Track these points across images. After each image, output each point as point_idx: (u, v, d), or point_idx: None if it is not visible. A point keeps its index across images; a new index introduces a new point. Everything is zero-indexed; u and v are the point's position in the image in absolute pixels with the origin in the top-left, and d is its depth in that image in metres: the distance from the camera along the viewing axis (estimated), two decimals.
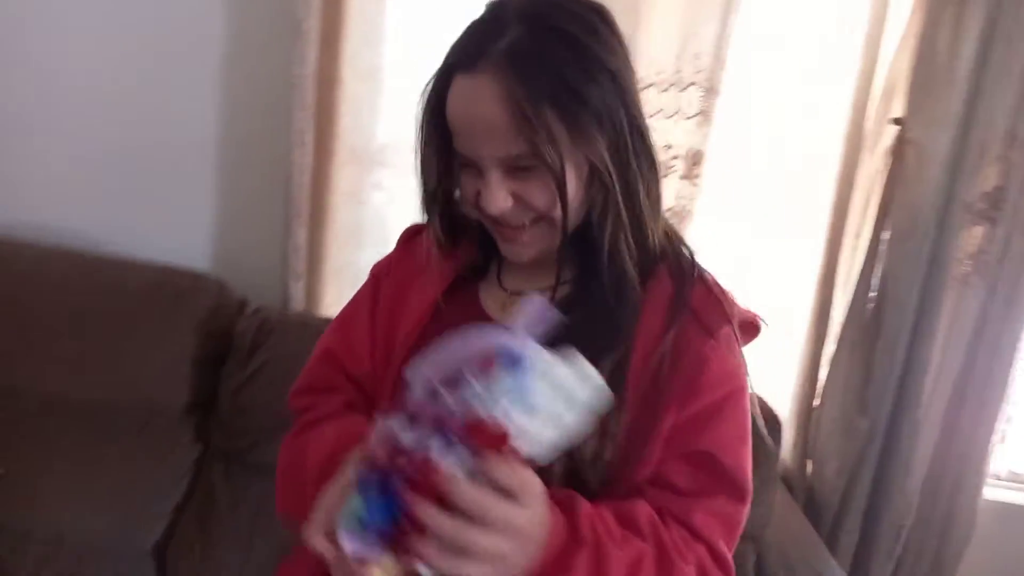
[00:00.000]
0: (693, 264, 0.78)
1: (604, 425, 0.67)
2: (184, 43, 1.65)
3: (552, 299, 0.74)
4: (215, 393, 1.51)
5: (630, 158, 0.71)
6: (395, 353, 0.78)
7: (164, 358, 1.47)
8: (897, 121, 1.62)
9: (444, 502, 0.51)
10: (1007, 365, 1.68)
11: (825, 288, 1.68)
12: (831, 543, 1.70)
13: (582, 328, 0.69)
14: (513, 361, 0.52)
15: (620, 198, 0.71)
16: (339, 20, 1.53)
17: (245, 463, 1.46)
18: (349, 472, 0.61)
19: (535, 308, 0.56)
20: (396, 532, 0.52)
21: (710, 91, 1.60)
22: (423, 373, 0.55)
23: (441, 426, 0.52)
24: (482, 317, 0.79)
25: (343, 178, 1.61)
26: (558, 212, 0.71)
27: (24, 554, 1.36)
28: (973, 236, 1.65)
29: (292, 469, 0.80)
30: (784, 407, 1.77)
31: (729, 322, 0.75)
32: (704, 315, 0.75)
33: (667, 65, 1.62)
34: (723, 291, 0.80)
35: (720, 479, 0.73)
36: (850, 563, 1.72)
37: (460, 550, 0.53)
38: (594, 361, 0.60)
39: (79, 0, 1.63)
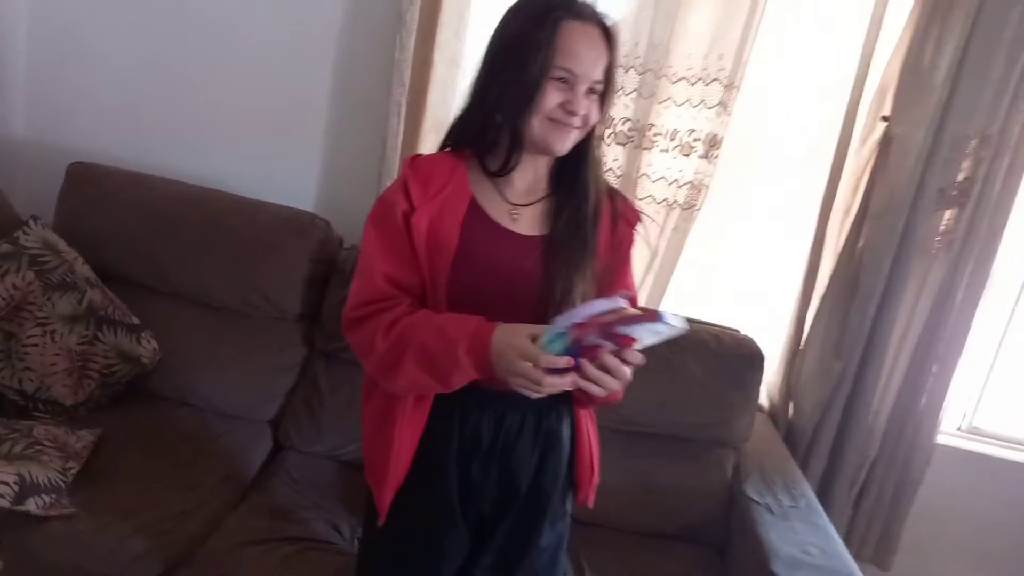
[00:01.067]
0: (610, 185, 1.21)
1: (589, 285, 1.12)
2: (311, 26, 2.05)
3: (556, 202, 1.15)
4: (320, 307, 1.93)
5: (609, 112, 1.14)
6: (443, 267, 1.06)
7: (286, 277, 1.89)
8: (885, 118, 1.95)
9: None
10: (965, 329, 2.02)
11: (814, 254, 2.04)
12: (803, 466, 2.06)
13: (577, 220, 1.11)
14: (658, 316, 0.95)
15: (602, 130, 1.16)
16: (435, 14, 1.92)
17: (340, 360, 1.88)
18: (544, 330, 0.96)
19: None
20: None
21: (729, 86, 1.95)
22: (577, 314, 0.97)
23: (608, 330, 0.95)
24: (490, 223, 1.10)
25: (427, 143, 2.00)
26: (587, 128, 1.09)
27: (176, 418, 1.81)
28: (943, 218, 1.98)
29: (411, 346, 1.02)
30: (776, 352, 2.14)
31: (638, 216, 1.21)
32: (627, 212, 1.19)
33: (696, 63, 1.98)
34: (626, 198, 1.23)
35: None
36: (817, 485, 2.09)
37: (603, 379, 0.98)
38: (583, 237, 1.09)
39: None
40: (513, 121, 1.06)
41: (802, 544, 1.57)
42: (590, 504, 1.28)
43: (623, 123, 2.02)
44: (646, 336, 0.98)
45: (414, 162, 1.11)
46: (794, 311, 2.11)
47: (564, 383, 0.97)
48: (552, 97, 1.04)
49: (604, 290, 1.12)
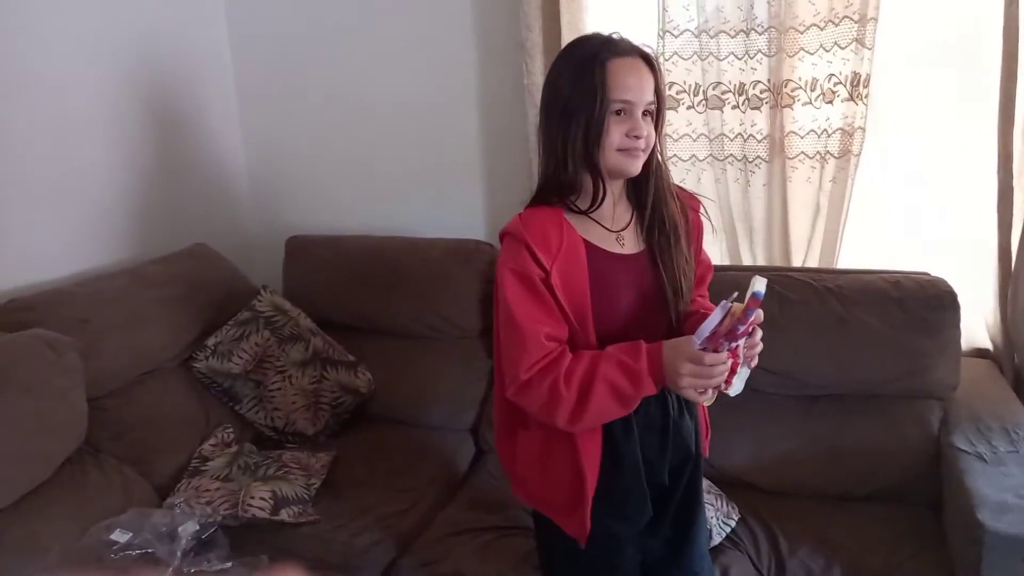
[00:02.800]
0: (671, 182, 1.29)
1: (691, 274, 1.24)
2: (449, 80, 2.32)
3: (639, 217, 1.26)
4: None
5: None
6: (586, 310, 1.18)
7: (461, 300, 2.13)
8: None
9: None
10: None
11: (1004, 172, 1.82)
12: None
13: (666, 228, 1.22)
14: (756, 296, 1.06)
15: (662, 147, 1.24)
16: (554, 35, 2.06)
17: None
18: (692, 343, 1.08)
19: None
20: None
21: (862, 20, 1.84)
22: (705, 330, 1.09)
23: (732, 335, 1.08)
24: (607, 255, 1.21)
25: None
26: (651, 148, 1.18)
27: (392, 435, 2.10)
28: None
29: (596, 383, 1.13)
30: (989, 291, 1.94)
31: (699, 201, 1.34)
32: (690, 201, 1.31)
33: (822, 6, 1.90)
34: (684, 188, 1.33)
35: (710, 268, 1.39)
36: None
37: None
38: (677, 240, 1.22)
39: (383, 45, 2.38)
40: (591, 161, 1.17)
41: (1017, 488, 1.43)
42: (705, 453, 1.37)
43: (753, 86, 1.99)
44: (759, 313, 1.10)
45: (527, 228, 1.17)
46: (996, 241, 1.90)
47: (723, 376, 1.11)
48: (617, 129, 1.15)
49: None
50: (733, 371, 1.14)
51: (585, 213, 1.21)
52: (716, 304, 1.14)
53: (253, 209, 2.69)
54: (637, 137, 1.15)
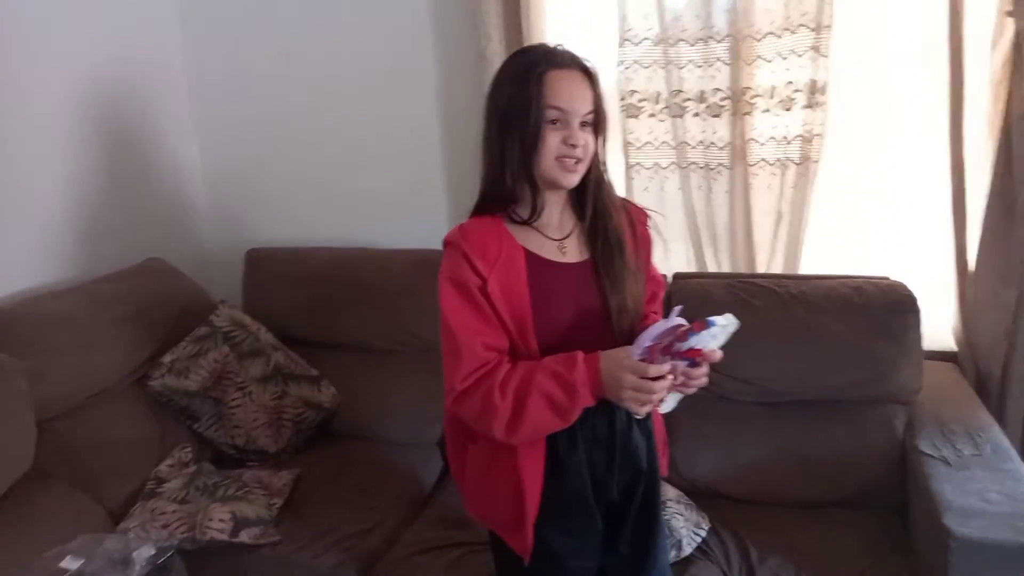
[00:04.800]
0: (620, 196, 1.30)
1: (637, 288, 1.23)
2: (406, 73, 2.29)
3: (581, 223, 1.25)
4: None
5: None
6: (526, 319, 1.16)
7: (428, 310, 2.05)
8: (1010, 13, 1.74)
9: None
10: None
11: (957, 177, 1.85)
12: (999, 412, 1.85)
13: (609, 238, 1.21)
14: (706, 323, 1.05)
15: (603, 159, 1.23)
16: (515, 45, 2.05)
17: None
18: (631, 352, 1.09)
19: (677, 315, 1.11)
20: None
21: (818, 28, 1.86)
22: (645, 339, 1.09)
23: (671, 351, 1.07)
24: (547, 263, 1.19)
25: None
26: (589, 158, 1.18)
27: (357, 451, 2.06)
28: None
29: (531, 395, 1.11)
30: (949, 294, 1.96)
31: (646, 215, 1.33)
32: (638, 215, 1.30)
33: (778, 14, 1.91)
34: (632, 202, 1.34)
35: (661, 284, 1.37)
36: (1022, 430, 1.86)
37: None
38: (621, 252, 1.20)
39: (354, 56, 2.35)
40: (527, 170, 1.15)
41: (982, 493, 1.44)
42: (664, 472, 1.35)
43: (713, 94, 2.00)
44: (708, 342, 1.08)
45: (465, 237, 1.17)
46: (952, 245, 1.92)
47: (665, 390, 1.10)
48: (552, 138, 1.14)
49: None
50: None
51: (525, 223, 1.19)
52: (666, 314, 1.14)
53: (211, 223, 2.62)
54: (573, 145, 1.14)
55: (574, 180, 1.18)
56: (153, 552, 1.49)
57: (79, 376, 1.82)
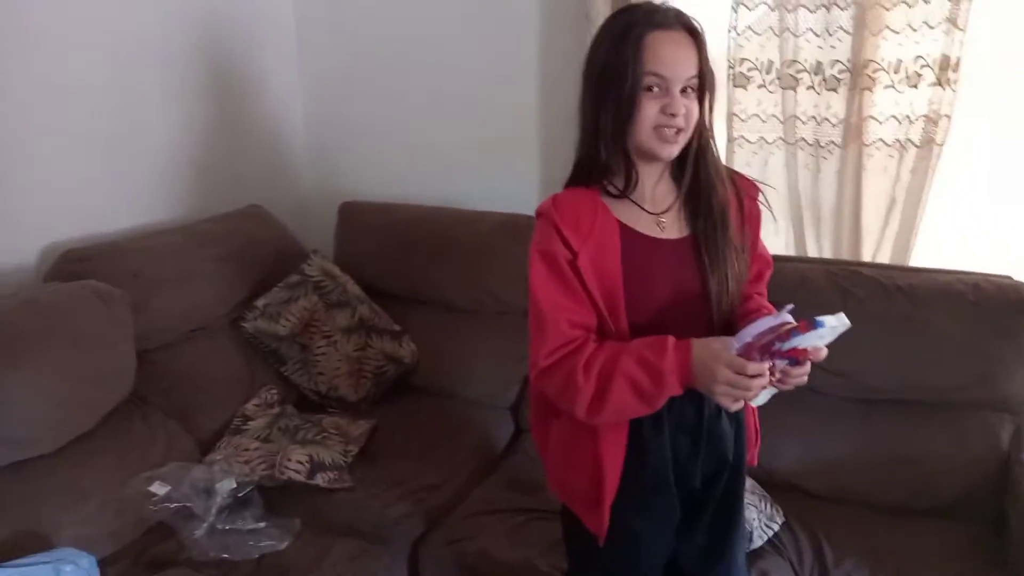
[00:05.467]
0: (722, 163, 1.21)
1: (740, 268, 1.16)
2: (508, 31, 2.26)
3: (684, 201, 1.18)
4: None
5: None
6: (617, 296, 1.10)
7: (507, 275, 2.06)
8: None
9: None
10: None
11: None
12: None
13: (712, 213, 1.14)
14: (813, 323, 0.99)
15: (709, 123, 1.15)
16: (621, 5, 1.97)
17: None
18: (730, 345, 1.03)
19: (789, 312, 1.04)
20: None
21: None
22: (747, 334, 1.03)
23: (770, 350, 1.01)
24: (644, 239, 1.13)
25: None
26: (692, 127, 1.10)
27: (433, 407, 2.09)
28: None
29: (615, 378, 1.06)
30: None
31: (757, 188, 1.24)
32: (747, 188, 1.21)
33: None
34: (741, 173, 1.25)
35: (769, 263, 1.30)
36: None
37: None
38: (725, 228, 1.13)
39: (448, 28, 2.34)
40: (622, 140, 1.09)
41: None
42: (753, 463, 1.29)
43: (831, 66, 1.87)
44: (813, 342, 1.01)
45: (557, 208, 1.12)
46: None
47: (760, 388, 1.03)
48: (650, 107, 1.07)
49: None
50: None
51: (620, 196, 1.14)
52: (778, 306, 1.07)
53: (309, 174, 2.69)
54: (673, 115, 1.07)
55: (673, 151, 1.11)
56: (235, 486, 1.58)
57: (179, 310, 1.91)
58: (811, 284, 1.77)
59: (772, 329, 1.01)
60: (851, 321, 1.02)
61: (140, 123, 2.08)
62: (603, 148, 1.11)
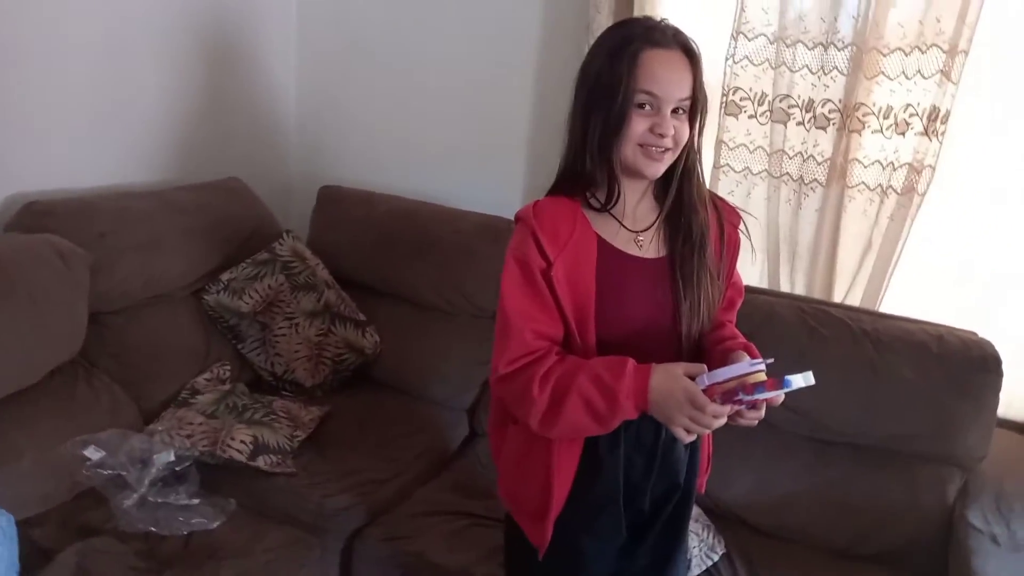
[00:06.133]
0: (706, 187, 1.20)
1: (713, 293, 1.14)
2: (508, 35, 2.25)
3: (662, 215, 1.16)
4: None
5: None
6: (588, 310, 1.09)
7: (483, 278, 2.05)
8: None
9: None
10: None
11: None
12: None
13: (691, 234, 1.13)
14: (781, 383, 0.97)
15: (697, 146, 1.14)
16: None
17: None
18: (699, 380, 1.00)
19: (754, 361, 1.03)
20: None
21: (952, 51, 1.71)
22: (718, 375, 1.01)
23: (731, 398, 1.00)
24: (620, 254, 1.12)
25: None
26: (680, 148, 1.09)
27: (389, 402, 2.06)
28: None
29: (570, 394, 1.04)
30: None
31: (739, 216, 1.23)
32: (728, 215, 1.20)
33: (911, 30, 1.76)
34: (724, 199, 1.24)
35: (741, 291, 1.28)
36: None
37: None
38: (702, 252, 1.11)
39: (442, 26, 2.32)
40: (607, 154, 1.08)
41: None
42: (701, 491, 1.27)
43: (822, 105, 1.87)
44: (774, 395, 1.00)
45: (537, 215, 1.10)
46: None
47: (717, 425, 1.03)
48: (639, 124, 1.06)
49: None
50: None
51: (601, 210, 1.12)
52: (747, 340, 1.06)
53: (296, 153, 2.66)
54: (661, 135, 1.06)
55: (658, 171, 1.10)
56: (172, 459, 1.54)
57: (142, 276, 1.87)
58: (779, 319, 1.76)
59: (739, 377, 1.00)
60: (815, 360, 1.02)
61: (128, 83, 2.04)
62: (588, 159, 1.09)
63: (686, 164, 1.13)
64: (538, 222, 1.09)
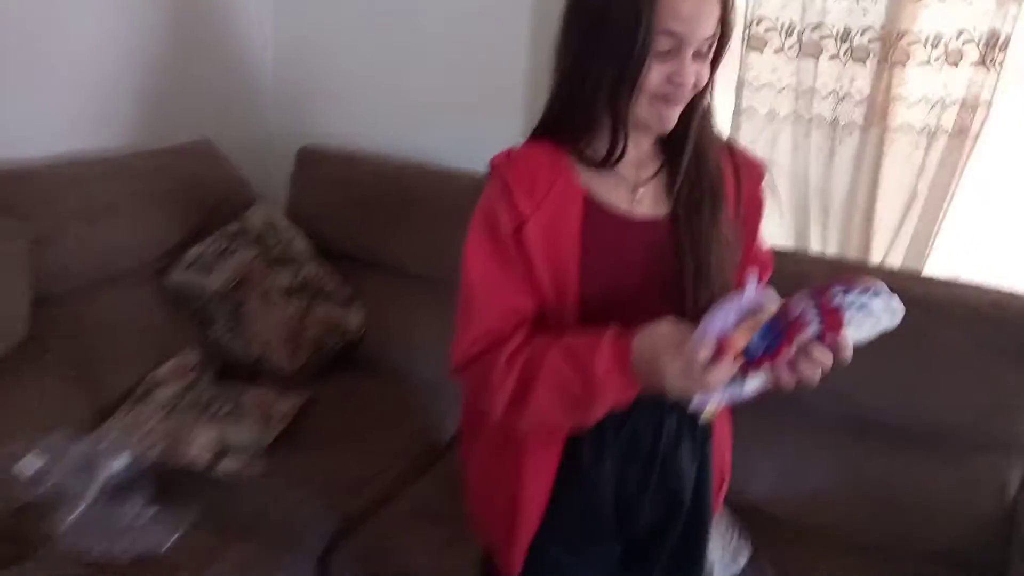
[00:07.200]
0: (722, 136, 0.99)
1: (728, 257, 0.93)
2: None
3: (669, 172, 0.95)
4: None
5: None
6: (568, 281, 0.91)
7: None
8: None
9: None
10: None
11: None
12: None
13: (701, 186, 0.92)
14: (870, 291, 0.76)
15: (712, 89, 0.92)
16: None
17: None
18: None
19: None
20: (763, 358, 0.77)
21: None
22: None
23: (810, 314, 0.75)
24: (612, 213, 0.92)
25: None
26: (699, 89, 0.88)
27: (378, 385, 1.87)
28: None
29: (540, 375, 0.87)
30: None
31: (762, 169, 1.01)
32: (749, 167, 0.99)
33: None
34: (744, 149, 1.02)
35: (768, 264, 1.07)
36: None
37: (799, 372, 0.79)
38: (714, 209, 0.91)
39: None
40: (615, 105, 0.87)
41: None
42: (716, 510, 1.07)
43: (861, 33, 1.61)
44: (860, 322, 0.76)
45: (511, 163, 0.93)
46: None
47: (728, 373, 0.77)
48: (657, 72, 0.85)
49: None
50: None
51: (600, 166, 0.91)
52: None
53: (274, 109, 2.42)
54: (680, 85, 0.86)
55: (671, 121, 0.90)
56: (124, 465, 1.37)
57: (96, 251, 1.68)
58: (810, 286, 1.54)
59: (748, 316, 0.76)
60: None
61: (75, 37, 1.80)
62: (587, 109, 0.89)
63: (698, 104, 0.92)
64: (512, 171, 0.91)
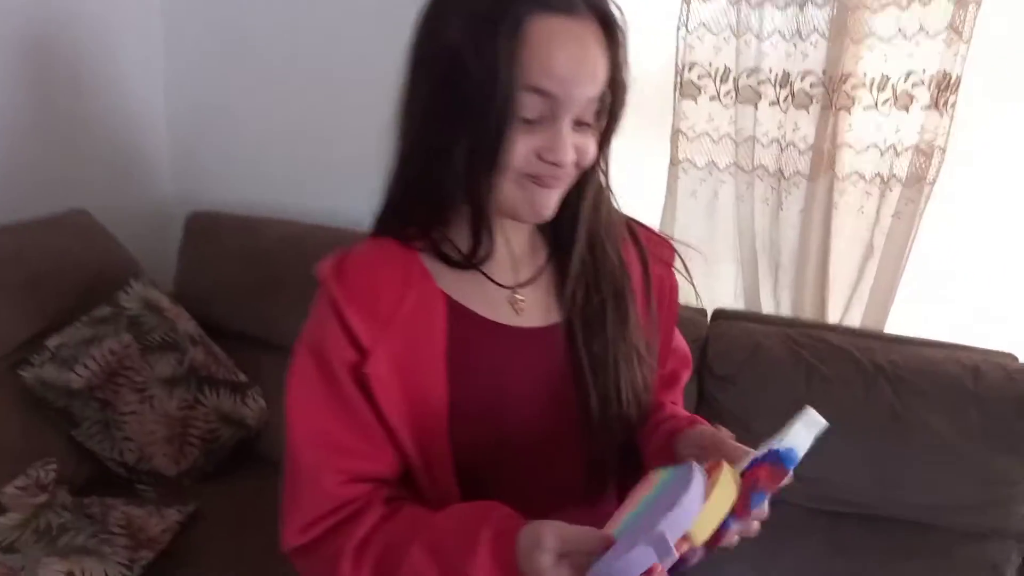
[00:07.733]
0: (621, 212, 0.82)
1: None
2: (401, 39, 1.77)
3: (556, 268, 0.78)
4: None
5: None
6: (436, 425, 0.71)
7: None
8: None
9: None
10: None
11: None
12: None
13: (599, 286, 0.75)
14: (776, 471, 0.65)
15: (606, 163, 0.75)
16: None
17: None
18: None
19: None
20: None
21: (961, 0, 1.33)
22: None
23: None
24: (487, 327, 0.73)
25: None
26: (584, 168, 0.71)
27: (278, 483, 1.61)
28: None
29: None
30: None
31: (671, 248, 0.84)
32: (655, 249, 0.82)
33: None
34: (647, 226, 0.85)
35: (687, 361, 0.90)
36: None
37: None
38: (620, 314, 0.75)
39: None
40: (471, 187, 0.68)
41: None
42: None
43: (801, 79, 1.48)
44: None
45: (341, 272, 0.72)
46: None
47: None
48: (524, 145, 0.66)
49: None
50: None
51: (460, 266, 0.72)
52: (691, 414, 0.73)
53: (168, 176, 2.19)
54: (554, 163, 0.67)
55: (547, 209, 0.70)
56: None
57: None
58: (765, 355, 1.38)
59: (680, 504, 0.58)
60: (819, 409, 0.68)
61: None
62: (438, 189, 0.69)
63: (592, 183, 0.74)
64: (344, 286, 0.70)
